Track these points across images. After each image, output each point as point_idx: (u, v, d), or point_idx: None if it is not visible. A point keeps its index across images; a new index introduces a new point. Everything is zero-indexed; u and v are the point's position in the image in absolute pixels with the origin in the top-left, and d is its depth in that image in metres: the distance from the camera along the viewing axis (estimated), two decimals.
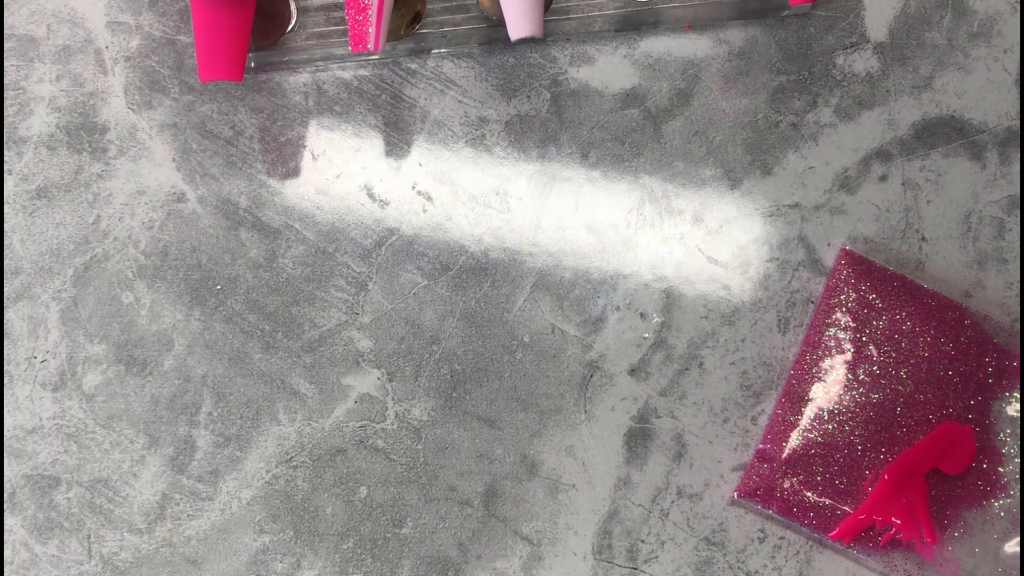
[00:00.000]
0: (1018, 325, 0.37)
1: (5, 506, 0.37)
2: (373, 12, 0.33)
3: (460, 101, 0.38)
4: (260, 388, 0.37)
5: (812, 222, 0.38)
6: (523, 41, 0.38)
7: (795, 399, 0.36)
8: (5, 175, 0.38)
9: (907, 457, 0.35)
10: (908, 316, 0.36)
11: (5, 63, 0.38)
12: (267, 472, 0.37)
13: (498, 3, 0.33)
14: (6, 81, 0.38)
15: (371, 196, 0.38)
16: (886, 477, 0.35)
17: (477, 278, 0.37)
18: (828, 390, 0.36)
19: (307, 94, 0.38)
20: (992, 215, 0.38)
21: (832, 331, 0.36)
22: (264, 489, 0.36)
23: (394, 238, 0.38)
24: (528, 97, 0.38)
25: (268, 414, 0.37)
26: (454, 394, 0.37)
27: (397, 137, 0.38)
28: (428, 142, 0.38)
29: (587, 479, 0.37)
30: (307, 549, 0.36)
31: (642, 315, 0.37)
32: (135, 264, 0.37)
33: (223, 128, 0.38)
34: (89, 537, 0.36)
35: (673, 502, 0.36)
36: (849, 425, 0.35)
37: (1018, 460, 0.36)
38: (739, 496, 0.36)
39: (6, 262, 0.37)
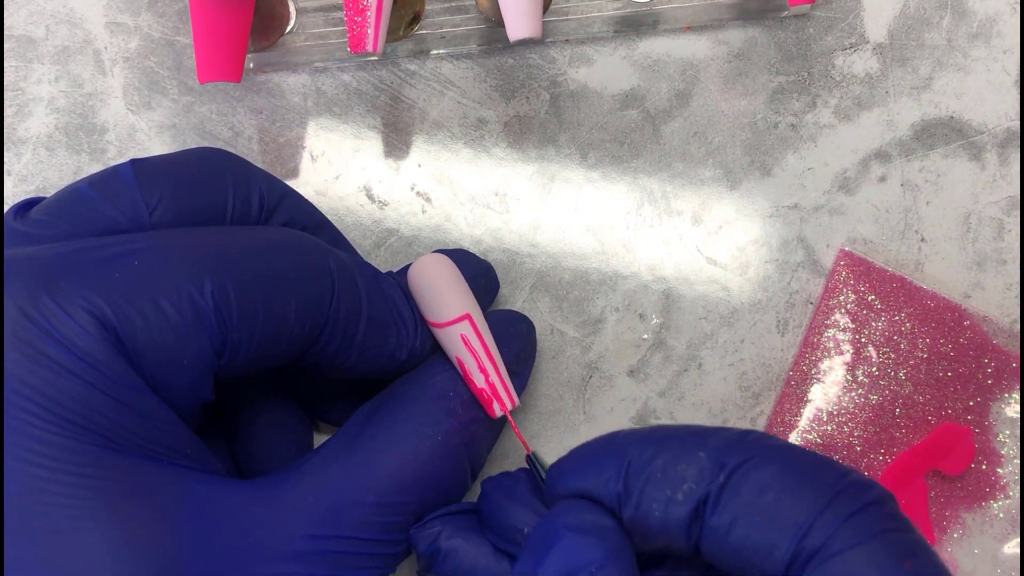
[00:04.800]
0: (1017, 326, 0.37)
1: None
2: (372, 13, 0.33)
3: (459, 102, 0.38)
4: None
5: (811, 223, 0.38)
6: (522, 42, 0.38)
7: (794, 400, 0.36)
8: (5, 176, 0.38)
9: (906, 458, 0.35)
10: (907, 317, 0.36)
11: (4, 64, 0.38)
12: None
13: (497, 4, 0.33)
14: (5, 82, 0.38)
15: (370, 197, 0.38)
16: (885, 479, 0.35)
17: None
18: (827, 391, 0.36)
19: (306, 95, 0.38)
20: (991, 216, 0.38)
21: (831, 332, 0.36)
22: None
23: (393, 239, 0.38)
24: (527, 98, 0.38)
25: None
26: None
27: (396, 138, 0.38)
28: (427, 143, 0.38)
29: None
30: None
31: (641, 316, 0.37)
32: None
33: (222, 129, 0.38)
34: None
35: None
36: (848, 426, 0.35)
37: (1017, 461, 0.36)
38: None
39: None
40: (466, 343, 0.31)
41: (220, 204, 0.29)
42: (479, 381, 0.31)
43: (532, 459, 0.30)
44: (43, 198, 0.29)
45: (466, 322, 0.31)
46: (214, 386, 0.27)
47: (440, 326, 0.31)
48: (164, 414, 0.25)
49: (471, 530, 0.29)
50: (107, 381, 0.24)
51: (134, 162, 0.29)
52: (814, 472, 0.23)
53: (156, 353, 0.25)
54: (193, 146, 0.38)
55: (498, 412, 0.31)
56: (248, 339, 0.26)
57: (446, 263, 0.31)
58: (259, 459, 0.32)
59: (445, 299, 0.31)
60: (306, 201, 0.32)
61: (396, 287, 0.31)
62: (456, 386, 0.31)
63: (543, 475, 0.29)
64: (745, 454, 0.24)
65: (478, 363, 0.31)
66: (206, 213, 0.29)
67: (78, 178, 0.38)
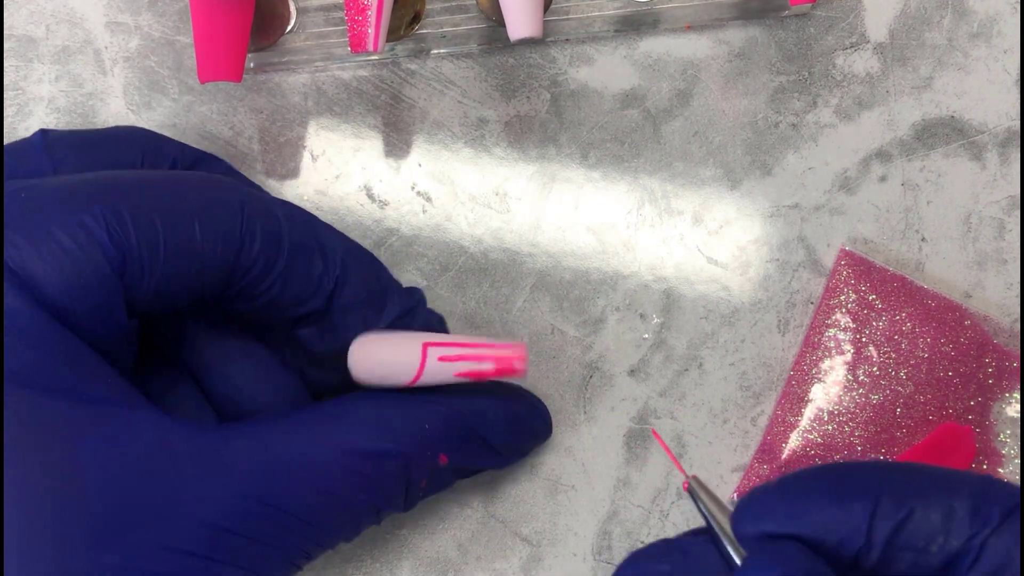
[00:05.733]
0: (1018, 326, 0.37)
1: None
2: (372, 13, 0.33)
3: (459, 101, 0.38)
4: None
5: (812, 223, 0.38)
6: (523, 41, 0.38)
7: (795, 400, 0.36)
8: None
9: (907, 458, 0.35)
10: (908, 317, 0.36)
11: (4, 64, 0.38)
12: None
13: (497, 4, 0.33)
14: (5, 82, 0.38)
15: (370, 196, 0.38)
16: None
17: (476, 279, 0.37)
18: (828, 391, 0.36)
19: (306, 95, 0.38)
20: (992, 215, 0.38)
21: (832, 332, 0.36)
22: None
23: (393, 239, 0.38)
24: (528, 98, 0.38)
25: None
26: None
27: (396, 137, 0.38)
28: (427, 142, 0.38)
29: (587, 480, 0.36)
30: None
31: (642, 316, 0.37)
32: None
33: (222, 129, 0.38)
34: None
35: (673, 503, 0.36)
36: (849, 426, 0.35)
37: (1018, 461, 0.36)
38: (739, 497, 0.36)
39: None
40: (445, 360, 0.29)
41: (129, 163, 0.30)
42: (487, 365, 0.29)
43: (695, 487, 0.25)
44: None
45: (428, 351, 0.29)
46: (144, 318, 0.28)
47: (417, 379, 0.29)
48: (71, 346, 0.25)
49: None
50: None
51: (44, 130, 0.30)
52: None
53: (53, 278, 0.25)
54: (194, 146, 0.38)
55: (517, 367, 0.29)
56: (151, 258, 0.26)
57: (373, 340, 0.30)
58: (232, 403, 0.32)
59: (396, 360, 0.29)
60: (233, 170, 0.33)
61: (319, 223, 0.31)
62: (432, 432, 0.30)
63: (713, 513, 0.25)
64: (1004, 504, 0.23)
65: (464, 354, 0.29)
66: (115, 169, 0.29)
67: None
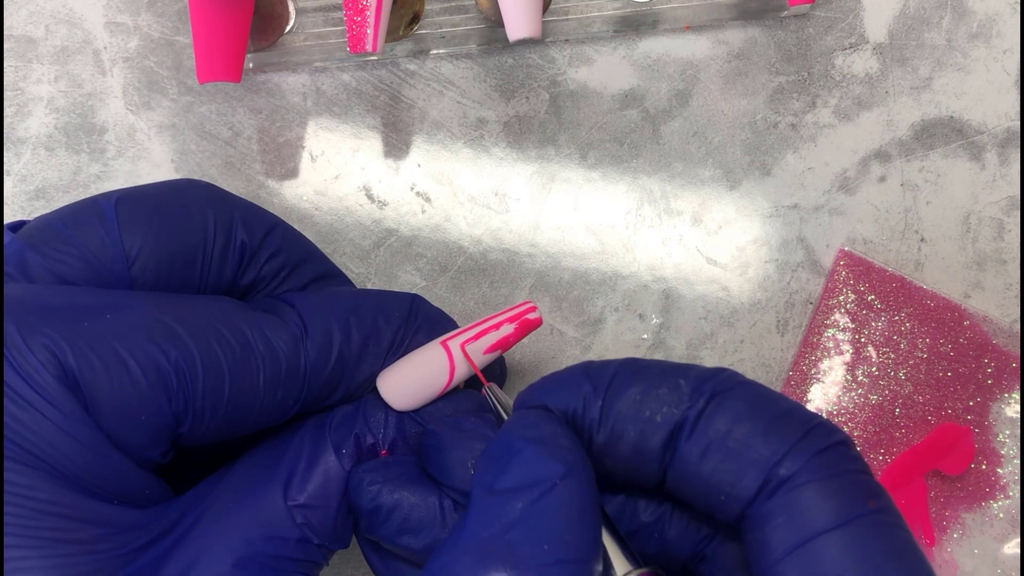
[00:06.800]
0: (1017, 326, 0.37)
1: None
2: (372, 13, 0.33)
3: (459, 102, 0.38)
4: None
5: (811, 223, 0.38)
6: (522, 42, 0.38)
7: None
8: (5, 176, 0.38)
9: (906, 458, 0.35)
10: (907, 317, 0.36)
11: (4, 64, 0.38)
12: None
13: (496, 4, 0.33)
14: (5, 82, 0.38)
15: (369, 197, 0.38)
16: (885, 478, 0.35)
17: (476, 279, 0.37)
18: (827, 391, 0.36)
19: (305, 95, 0.38)
20: (991, 216, 0.37)
21: (831, 332, 0.36)
22: None
23: (392, 239, 0.38)
24: (527, 98, 0.38)
25: None
26: None
27: (396, 138, 0.38)
28: (427, 143, 0.38)
29: None
30: None
31: (641, 316, 0.37)
32: None
33: (221, 129, 0.38)
34: None
35: None
36: (848, 426, 0.35)
37: (1017, 461, 0.36)
38: None
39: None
40: (468, 344, 0.30)
41: (200, 250, 0.29)
42: (507, 328, 0.30)
43: (490, 393, 0.29)
44: (26, 222, 0.29)
45: (448, 346, 0.30)
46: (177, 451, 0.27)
47: (452, 375, 0.30)
48: (117, 459, 0.26)
49: (416, 480, 0.28)
50: (60, 416, 0.24)
51: (118, 204, 0.29)
52: (786, 410, 0.24)
53: (115, 403, 0.25)
54: (192, 147, 0.38)
55: (533, 318, 0.30)
56: (212, 409, 0.27)
57: (394, 368, 0.30)
58: None
59: (425, 371, 0.30)
60: (294, 233, 0.32)
61: (380, 301, 0.31)
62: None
63: (504, 409, 0.28)
64: (722, 386, 0.24)
65: (483, 329, 0.30)
66: (186, 257, 0.29)
67: (78, 177, 0.38)
